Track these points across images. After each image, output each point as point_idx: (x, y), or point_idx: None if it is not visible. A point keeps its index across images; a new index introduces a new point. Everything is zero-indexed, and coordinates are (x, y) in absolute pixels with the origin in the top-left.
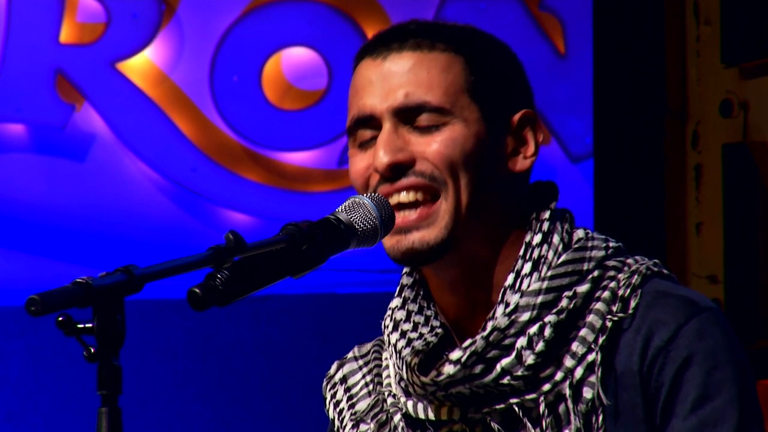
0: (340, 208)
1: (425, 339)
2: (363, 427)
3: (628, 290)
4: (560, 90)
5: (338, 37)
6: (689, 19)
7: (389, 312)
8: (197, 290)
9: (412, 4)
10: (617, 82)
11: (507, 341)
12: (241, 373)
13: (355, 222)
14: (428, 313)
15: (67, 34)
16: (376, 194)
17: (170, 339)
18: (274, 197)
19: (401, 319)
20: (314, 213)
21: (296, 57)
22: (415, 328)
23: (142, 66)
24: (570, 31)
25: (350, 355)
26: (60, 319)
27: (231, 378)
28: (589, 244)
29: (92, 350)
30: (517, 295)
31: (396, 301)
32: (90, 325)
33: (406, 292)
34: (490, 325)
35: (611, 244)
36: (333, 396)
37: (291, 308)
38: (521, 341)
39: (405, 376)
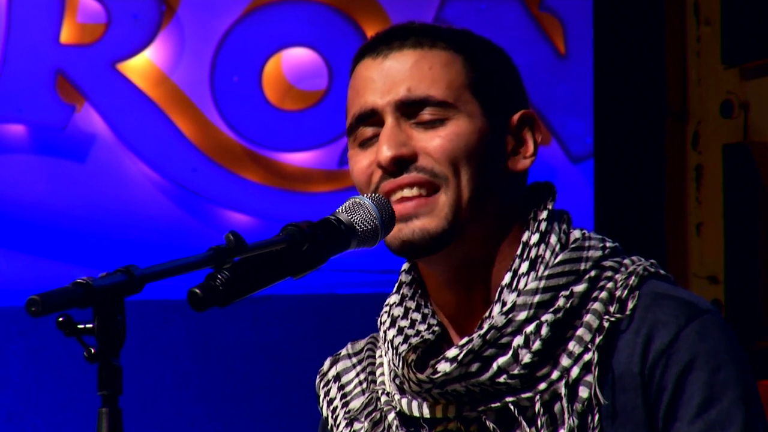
0: (340, 209)
1: (422, 336)
2: (357, 425)
3: (626, 291)
4: (560, 90)
5: (338, 37)
6: (689, 20)
7: (386, 308)
8: (197, 291)
9: (412, 4)
10: (617, 82)
11: (504, 340)
12: (241, 373)
13: (356, 222)
14: (426, 311)
15: (67, 34)
16: (377, 194)
17: (171, 339)
18: (275, 197)
19: (399, 316)
20: (315, 213)
21: (296, 57)
22: (412, 325)
23: (142, 66)
24: (570, 32)
25: (344, 352)
26: (60, 319)
27: (231, 378)
28: (586, 244)
29: (93, 351)
30: (514, 294)
31: (394, 298)
32: (90, 325)
33: (404, 289)
34: (487, 324)
35: (608, 244)
36: (326, 394)
37: (291, 309)
38: (518, 340)
39: (400, 373)
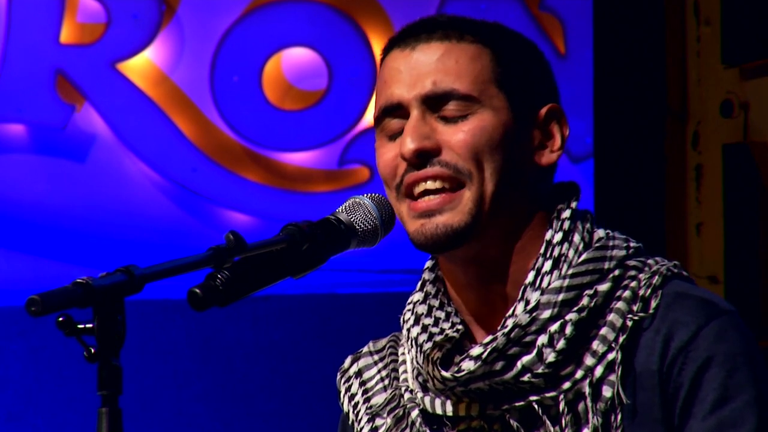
0: (340, 209)
1: (446, 334)
2: (379, 421)
3: (649, 290)
4: (560, 90)
5: (338, 37)
6: (689, 20)
7: (409, 306)
8: (197, 290)
9: (413, 4)
10: (617, 82)
11: (528, 338)
12: (241, 373)
13: (356, 222)
14: (449, 309)
15: (67, 34)
16: (377, 194)
17: (170, 339)
18: (275, 197)
19: (422, 314)
20: (315, 213)
21: (296, 57)
22: (436, 323)
23: (142, 66)
24: (570, 31)
25: (365, 349)
26: (60, 319)
27: (231, 378)
28: (610, 243)
29: (92, 350)
30: (538, 293)
31: (417, 296)
32: (90, 325)
33: (428, 287)
34: (510, 322)
35: (632, 244)
36: (348, 389)
37: (291, 308)
38: (542, 339)
39: (424, 371)
